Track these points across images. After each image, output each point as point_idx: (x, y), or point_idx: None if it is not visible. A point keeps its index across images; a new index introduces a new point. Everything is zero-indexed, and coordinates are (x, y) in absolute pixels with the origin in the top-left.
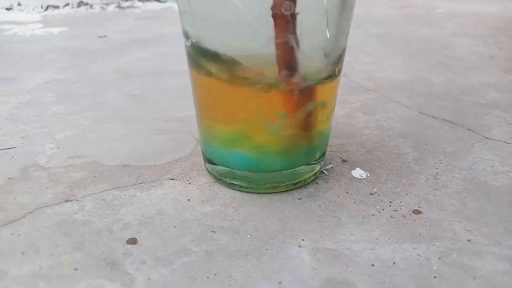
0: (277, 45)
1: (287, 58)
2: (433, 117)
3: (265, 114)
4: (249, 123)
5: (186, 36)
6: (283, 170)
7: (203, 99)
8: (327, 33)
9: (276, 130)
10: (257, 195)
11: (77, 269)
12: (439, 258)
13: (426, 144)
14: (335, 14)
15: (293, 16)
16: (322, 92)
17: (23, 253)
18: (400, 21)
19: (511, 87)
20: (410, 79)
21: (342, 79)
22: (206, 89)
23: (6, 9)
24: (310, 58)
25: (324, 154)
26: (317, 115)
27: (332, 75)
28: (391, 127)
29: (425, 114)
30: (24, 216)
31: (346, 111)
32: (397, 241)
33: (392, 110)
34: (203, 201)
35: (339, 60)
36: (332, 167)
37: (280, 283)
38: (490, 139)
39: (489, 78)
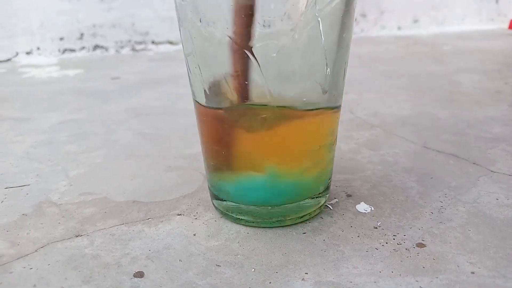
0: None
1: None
2: (437, 151)
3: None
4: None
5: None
6: (288, 204)
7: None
8: (326, 70)
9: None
10: (262, 229)
11: None
12: None
13: (431, 178)
14: (333, 52)
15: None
16: (322, 127)
17: (34, 285)
18: (407, 58)
19: None
20: (415, 114)
21: (347, 115)
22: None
23: (26, 53)
24: (310, 94)
25: (328, 187)
26: (319, 149)
27: (331, 109)
28: (396, 162)
29: (430, 148)
30: (36, 251)
31: (351, 146)
32: (400, 274)
33: (396, 145)
34: (208, 236)
35: (338, 95)
36: (337, 201)
37: None
38: (495, 172)
39: (495, 112)
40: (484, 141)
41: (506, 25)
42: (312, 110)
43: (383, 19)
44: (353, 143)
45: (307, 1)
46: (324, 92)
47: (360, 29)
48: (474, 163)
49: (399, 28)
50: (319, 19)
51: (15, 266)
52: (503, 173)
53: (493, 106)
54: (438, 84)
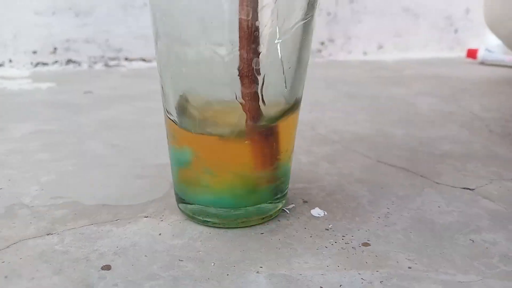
0: (244, 96)
1: (254, 108)
2: (390, 165)
3: (233, 158)
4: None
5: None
6: (249, 207)
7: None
8: (285, 86)
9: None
10: (224, 230)
11: None
12: (380, 282)
13: (381, 188)
14: (292, 71)
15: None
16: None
17: (6, 277)
18: (371, 81)
19: (465, 139)
20: (373, 133)
21: (309, 132)
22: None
23: None
24: (273, 105)
25: (285, 194)
26: (278, 159)
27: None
28: (351, 174)
29: (383, 162)
30: (8, 247)
31: (311, 159)
32: (345, 268)
33: (353, 159)
34: (173, 235)
35: (296, 106)
36: (294, 206)
37: None
38: (439, 184)
39: (446, 132)
40: (433, 157)
41: (464, 53)
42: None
43: (350, 44)
44: (313, 156)
45: (269, 31)
46: (287, 103)
47: (328, 53)
48: (421, 176)
49: (364, 53)
50: (278, 45)
51: None
52: (447, 185)
53: (445, 127)
54: (397, 105)
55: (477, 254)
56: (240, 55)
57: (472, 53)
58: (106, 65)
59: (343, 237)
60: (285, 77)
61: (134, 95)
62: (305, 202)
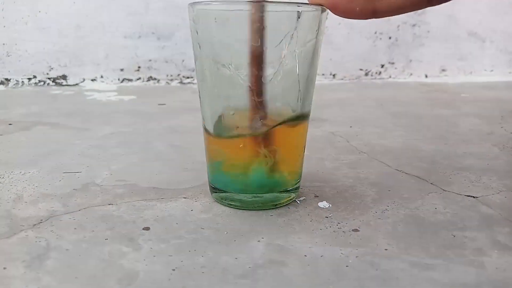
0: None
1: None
2: (405, 173)
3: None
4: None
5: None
6: (266, 194)
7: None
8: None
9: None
10: (242, 211)
11: (107, 239)
12: (356, 257)
13: (389, 190)
14: (303, 82)
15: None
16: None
17: (75, 228)
18: (422, 103)
19: (492, 156)
20: (403, 146)
21: (343, 143)
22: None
23: (91, 80)
24: (282, 111)
25: (298, 186)
26: (291, 156)
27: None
28: (366, 178)
29: (400, 171)
30: (79, 210)
31: (335, 165)
32: (330, 245)
33: (373, 166)
34: (201, 211)
35: (304, 114)
36: (304, 199)
37: (236, 258)
38: (446, 191)
39: (476, 149)
40: (451, 169)
41: None
42: (288, 124)
43: (410, 68)
44: (338, 163)
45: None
46: (294, 111)
47: (388, 75)
48: (431, 184)
49: (426, 76)
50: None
51: (63, 217)
52: (453, 192)
53: (477, 145)
54: (438, 124)
55: (452, 245)
56: (251, 73)
57: None
58: (181, 82)
59: (338, 223)
60: (299, 91)
61: (198, 108)
62: (316, 196)
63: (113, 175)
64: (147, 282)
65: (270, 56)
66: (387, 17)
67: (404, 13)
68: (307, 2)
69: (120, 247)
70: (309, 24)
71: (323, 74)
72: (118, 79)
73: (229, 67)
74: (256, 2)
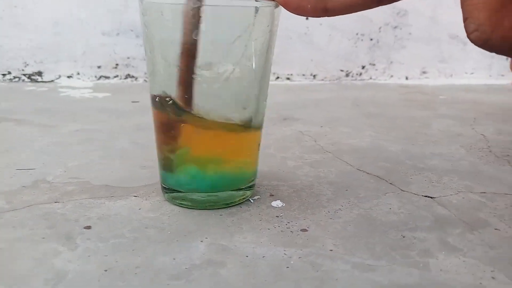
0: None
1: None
2: (367, 173)
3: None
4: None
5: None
6: (220, 192)
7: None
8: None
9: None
10: (191, 210)
11: (44, 238)
12: (299, 257)
13: (346, 190)
14: (258, 79)
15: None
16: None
17: (13, 227)
18: (399, 104)
19: (458, 157)
20: (370, 147)
21: (310, 143)
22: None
23: (67, 77)
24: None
25: (253, 185)
26: (246, 154)
27: (248, 126)
28: (326, 177)
29: (361, 171)
30: (23, 207)
31: (297, 164)
32: (275, 245)
33: (335, 166)
34: (149, 210)
35: (254, 117)
36: (259, 198)
37: (174, 258)
38: (404, 191)
39: (442, 150)
40: (414, 169)
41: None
42: (238, 125)
43: (391, 69)
44: (301, 162)
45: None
46: (244, 109)
47: (368, 76)
48: (391, 184)
49: (406, 78)
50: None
51: (6, 214)
52: (411, 192)
53: (445, 145)
54: (409, 125)
55: (400, 246)
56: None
57: None
58: None
59: (287, 223)
60: (256, 88)
61: None
62: (271, 195)
63: (67, 173)
64: (74, 283)
65: (226, 52)
66: (369, 19)
67: (355, 11)
68: None
69: (55, 246)
70: (266, 20)
71: (303, 75)
72: (95, 76)
73: (175, 63)
74: None
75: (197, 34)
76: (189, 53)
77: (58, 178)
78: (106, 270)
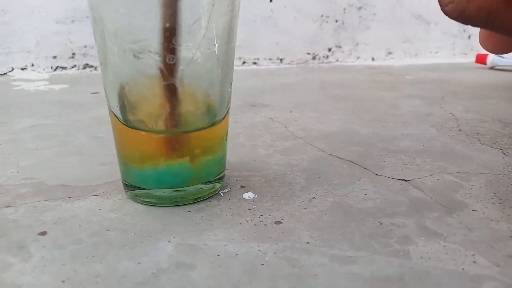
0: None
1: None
2: (339, 158)
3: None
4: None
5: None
6: (187, 187)
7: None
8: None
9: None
10: (156, 208)
11: None
12: (274, 253)
13: (319, 177)
14: (222, 63)
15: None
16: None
17: None
18: (365, 86)
19: (429, 137)
20: (340, 130)
21: (281, 129)
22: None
23: (21, 69)
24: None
25: (222, 177)
26: (212, 144)
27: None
28: (298, 164)
29: (334, 156)
30: None
31: (269, 152)
32: (248, 241)
33: (307, 152)
34: (110, 210)
35: (219, 103)
36: (229, 190)
37: (139, 263)
38: (378, 175)
39: (413, 130)
40: (386, 152)
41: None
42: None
43: (358, 51)
44: (271, 150)
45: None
46: (208, 96)
47: (335, 58)
48: (364, 168)
49: (373, 59)
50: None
51: None
52: (385, 176)
53: (415, 126)
54: (378, 107)
55: (378, 234)
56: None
57: (481, 59)
58: None
59: (260, 216)
60: (219, 74)
61: None
62: (242, 187)
63: (20, 173)
64: None
65: (187, 36)
66: (333, 1)
67: None
68: None
69: (5, 258)
70: (226, 0)
71: (270, 59)
72: (51, 68)
73: (134, 50)
74: None
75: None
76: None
77: (10, 180)
78: (63, 281)
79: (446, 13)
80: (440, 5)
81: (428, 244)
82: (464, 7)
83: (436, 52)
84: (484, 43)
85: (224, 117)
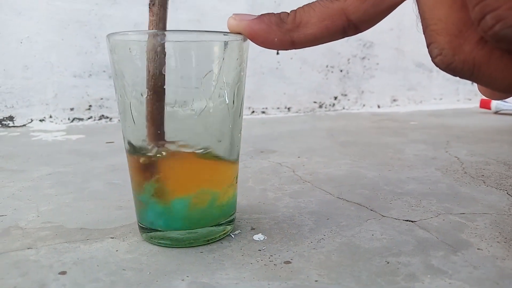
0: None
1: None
2: (346, 201)
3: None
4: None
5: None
6: (199, 228)
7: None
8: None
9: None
10: (170, 249)
11: (15, 287)
12: None
13: (327, 219)
14: (232, 113)
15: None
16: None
17: None
18: (371, 132)
19: (434, 180)
20: (347, 174)
21: (289, 173)
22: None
23: (40, 120)
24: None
25: (233, 219)
26: (222, 189)
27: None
28: (306, 207)
29: (341, 199)
30: None
31: (277, 195)
32: (258, 280)
33: (315, 195)
34: (127, 251)
35: (234, 151)
36: (240, 232)
37: None
38: (384, 217)
39: (418, 174)
40: (392, 194)
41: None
42: (213, 158)
43: (363, 98)
44: (280, 193)
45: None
46: (219, 141)
47: (341, 106)
48: (371, 210)
49: (378, 106)
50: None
51: None
52: (392, 217)
53: (421, 169)
54: (384, 152)
55: (385, 272)
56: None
57: (486, 103)
58: None
59: (270, 256)
60: (229, 122)
61: None
62: (253, 229)
63: (40, 217)
64: None
65: (198, 88)
66: (337, 52)
67: (321, 43)
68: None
69: None
70: (235, 54)
71: (278, 108)
72: (68, 119)
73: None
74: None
75: (165, 70)
76: (156, 88)
77: (31, 224)
78: None
79: (436, 65)
80: (430, 57)
81: (433, 281)
82: (450, 60)
83: (441, 99)
84: (482, 90)
85: (235, 161)
